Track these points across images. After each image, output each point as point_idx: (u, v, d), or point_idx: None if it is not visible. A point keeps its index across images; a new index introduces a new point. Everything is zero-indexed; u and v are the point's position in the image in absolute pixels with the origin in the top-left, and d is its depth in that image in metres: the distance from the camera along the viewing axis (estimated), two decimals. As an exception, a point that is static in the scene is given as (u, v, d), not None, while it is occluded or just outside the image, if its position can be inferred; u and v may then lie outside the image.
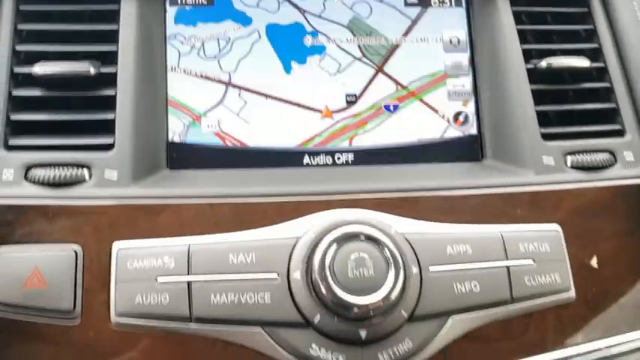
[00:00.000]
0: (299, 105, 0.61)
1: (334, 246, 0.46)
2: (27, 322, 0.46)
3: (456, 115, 0.63)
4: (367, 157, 0.61)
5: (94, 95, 0.55)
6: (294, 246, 0.48)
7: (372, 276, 0.45)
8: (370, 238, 0.47)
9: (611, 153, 0.59)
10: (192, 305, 0.46)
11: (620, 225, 0.55)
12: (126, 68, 0.55)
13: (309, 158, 0.60)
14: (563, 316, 0.51)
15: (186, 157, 0.58)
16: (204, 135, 0.59)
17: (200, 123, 0.59)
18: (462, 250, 0.50)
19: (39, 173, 0.51)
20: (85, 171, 0.51)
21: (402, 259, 0.47)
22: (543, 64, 0.61)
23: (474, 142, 0.63)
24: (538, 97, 0.60)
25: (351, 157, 0.61)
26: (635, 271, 0.54)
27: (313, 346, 0.46)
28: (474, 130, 0.63)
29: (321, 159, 0.60)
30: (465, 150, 0.62)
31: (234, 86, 0.60)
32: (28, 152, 0.52)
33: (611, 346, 0.52)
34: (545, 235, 0.52)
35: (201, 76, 0.60)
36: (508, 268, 0.50)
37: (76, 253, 0.48)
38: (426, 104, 0.63)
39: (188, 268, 0.47)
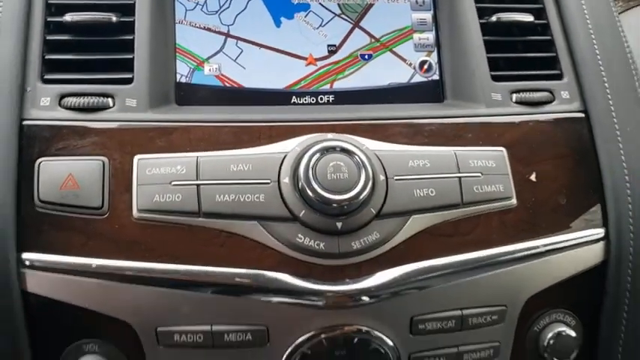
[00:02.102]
0: (287, 53, 0.71)
1: (316, 156, 0.57)
2: (64, 217, 0.56)
3: (421, 64, 0.74)
4: (345, 97, 0.71)
5: (116, 39, 0.65)
6: (284, 158, 0.59)
7: (346, 179, 0.56)
8: (345, 150, 0.58)
9: (550, 92, 0.70)
10: (200, 203, 0.57)
11: (555, 149, 0.66)
12: (142, 18, 0.65)
13: (296, 98, 0.70)
14: (505, 220, 0.62)
15: (191, 95, 0.68)
16: (206, 77, 0.69)
17: (203, 67, 0.69)
18: (422, 164, 0.61)
19: (71, 100, 0.61)
20: (109, 99, 0.62)
21: (371, 167, 0.57)
22: (494, 18, 0.72)
23: (437, 86, 0.73)
24: (490, 47, 0.71)
25: (331, 97, 0.71)
26: (567, 185, 0.65)
27: (299, 235, 0.57)
28: (436, 77, 0.73)
29: (306, 99, 0.71)
30: (429, 93, 0.73)
31: (232, 37, 0.71)
32: (61, 85, 0.62)
33: (546, 245, 0.62)
34: (491, 155, 0.63)
35: (204, 28, 0.70)
36: (460, 178, 0.61)
37: (104, 163, 0.58)
38: (396, 54, 0.74)
39: (197, 175, 0.57)
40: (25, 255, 0.55)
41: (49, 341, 0.57)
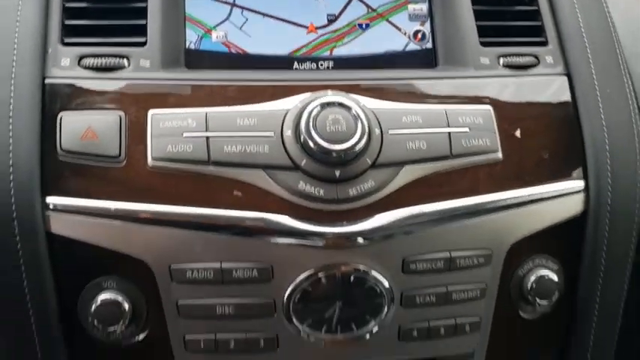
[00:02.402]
0: (289, 22, 0.76)
1: (316, 110, 0.62)
2: (84, 165, 0.61)
3: (415, 33, 0.78)
4: (344, 63, 0.76)
5: (130, 6, 0.70)
6: (286, 113, 0.63)
7: (344, 131, 0.61)
8: (343, 105, 0.63)
9: (536, 57, 0.74)
10: (209, 152, 0.61)
11: (539, 108, 0.71)
12: None
13: (297, 64, 0.75)
14: (492, 171, 0.67)
15: (200, 59, 0.73)
16: (213, 44, 0.74)
17: (211, 35, 0.74)
18: (414, 120, 0.66)
19: (89, 61, 0.66)
20: (125, 60, 0.66)
21: (367, 121, 0.62)
22: None
23: (430, 53, 0.78)
24: (479, 16, 0.76)
25: (331, 63, 0.76)
26: (549, 140, 0.70)
27: (301, 183, 0.61)
28: (429, 45, 0.78)
29: (307, 65, 0.75)
30: (423, 60, 0.78)
31: (238, 6, 0.75)
32: (80, 47, 0.67)
33: (529, 195, 0.67)
34: (479, 112, 0.68)
35: (212, -2, 0.76)
36: (449, 133, 0.66)
37: (120, 117, 0.63)
38: (391, 24, 0.78)
39: (206, 127, 0.62)
40: (49, 199, 0.60)
41: (71, 279, 0.62)
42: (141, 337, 0.64)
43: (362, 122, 0.61)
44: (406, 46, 0.78)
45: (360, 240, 0.62)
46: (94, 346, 0.63)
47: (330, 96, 0.64)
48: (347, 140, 0.60)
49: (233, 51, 0.74)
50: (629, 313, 0.75)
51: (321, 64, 0.76)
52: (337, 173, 0.61)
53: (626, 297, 0.73)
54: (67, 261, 0.62)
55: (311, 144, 0.60)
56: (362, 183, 0.62)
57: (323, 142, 0.60)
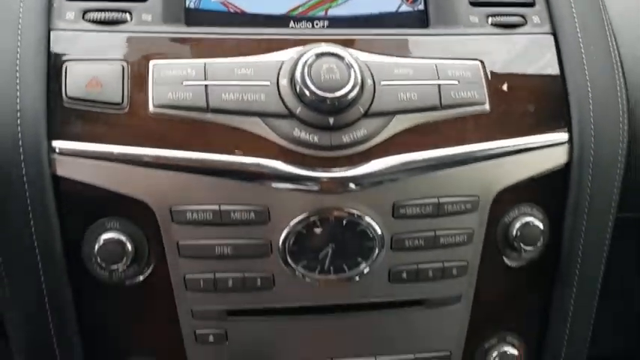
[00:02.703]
0: (286, -18, 0.79)
1: (311, 59, 0.64)
2: (89, 111, 0.64)
3: (408, -5, 0.82)
4: (339, 23, 0.78)
5: None
6: (282, 63, 0.66)
7: (337, 79, 0.63)
8: (337, 55, 0.65)
9: (523, 17, 0.77)
10: (208, 100, 0.64)
11: (525, 63, 0.74)
12: None
13: (293, 23, 0.77)
14: (479, 122, 0.69)
15: (199, 17, 0.75)
16: (213, 3, 0.76)
17: (210, -6, 0.77)
18: (406, 72, 0.68)
19: (93, 15, 0.68)
20: (127, 15, 0.69)
21: (360, 71, 0.65)
22: None
23: (421, 14, 0.80)
24: None
25: (326, 23, 0.78)
26: (535, 94, 0.72)
27: (296, 130, 0.64)
28: (421, 7, 0.81)
29: (303, 24, 0.78)
30: (415, 20, 0.80)
31: (237, -33, 0.78)
32: (84, 2, 0.69)
33: (515, 145, 0.70)
34: (468, 66, 0.71)
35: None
36: (439, 85, 0.68)
37: (123, 67, 0.66)
38: (385, -15, 0.81)
39: (205, 76, 0.65)
40: (55, 143, 0.63)
41: (75, 219, 0.65)
42: (142, 277, 0.67)
43: (355, 72, 0.64)
44: (399, 7, 0.80)
45: (353, 185, 0.65)
46: (97, 285, 0.66)
47: (325, 47, 0.66)
48: (340, 89, 0.63)
49: (231, 10, 0.77)
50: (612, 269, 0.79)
51: (316, 23, 0.78)
52: (331, 121, 0.64)
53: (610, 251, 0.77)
54: (71, 202, 0.64)
55: (306, 92, 0.63)
56: (355, 131, 0.65)
57: (317, 90, 0.63)
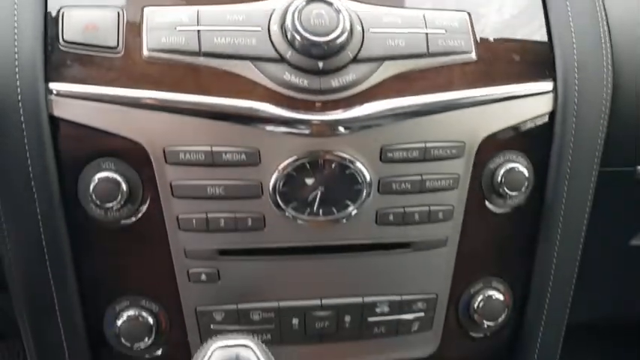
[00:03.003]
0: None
1: (301, 5, 0.66)
2: (85, 54, 0.66)
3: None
4: None
5: None
6: (273, 10, 0.67)
7: (327, 25, 0.65)
8: (326, 2, 0.66)
9: None
10: (200, 44, 0.65)
11: (511, 16, 0.75)
12: None
13: None
14: (466, 70, 0.70)
15: None
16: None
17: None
18: (394, 20, 0.70)
19: None
20: None
21: (349, 17, 0.66)
22: None
23: None
24: None
25: None
26: (520, 44, 0.74)
27: (286, 74, 0.66)
28: None
29: None
30: None
31: None
32: None
33: (500, 93, 0.71)
34: (455, 17, 0.72)
35: None
36: (427, 34, 0.70)
37: (118, 13, 0.67)
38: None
39: (197, 22, 0.66)
40: (52, 85, 0.65)
41: (72, 160, 0.67)
42: (136, 217, 0.69)
43: (344, 17, 0.65)
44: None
45: (342, 129, 0.67)
46: (93, 225, 0.68)
47: None
48: (329, 33, 0.64)
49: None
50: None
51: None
52: (320, 65, 0.65)
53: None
54: (68, 142, 0.66)
55: (296, 36, 0.64)
56: (344, 75, 0.66)
57: (307, 34, 0.64)
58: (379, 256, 0.73)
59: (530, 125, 0.74)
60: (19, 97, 0.64)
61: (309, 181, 0.68)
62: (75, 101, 0.65)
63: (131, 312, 0.71)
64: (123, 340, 0.71)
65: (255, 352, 0.56)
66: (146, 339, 0.71)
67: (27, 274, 0.70)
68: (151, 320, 0.71)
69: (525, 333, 0.81)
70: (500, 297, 0.78)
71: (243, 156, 0.66)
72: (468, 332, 0.80)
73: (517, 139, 0.74)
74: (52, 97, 0.65)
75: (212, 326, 0.73)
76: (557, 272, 0.78)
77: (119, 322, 0.71)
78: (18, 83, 0.64)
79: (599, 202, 0.80)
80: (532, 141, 0.75)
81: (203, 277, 0.71)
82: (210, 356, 0.55)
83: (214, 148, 0.66)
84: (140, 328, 0.71)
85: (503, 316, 0.78)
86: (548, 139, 0.74)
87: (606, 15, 0.76)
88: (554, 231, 0.77)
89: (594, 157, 0.76)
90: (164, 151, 0.66)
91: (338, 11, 0.65)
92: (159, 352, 0.74)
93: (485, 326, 0.78)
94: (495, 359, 0.84)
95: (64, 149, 0.66)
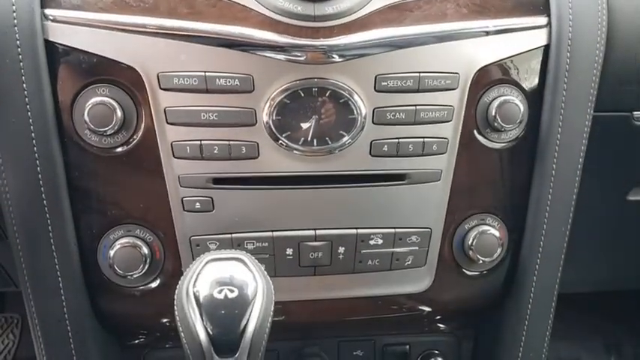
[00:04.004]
0: None
1: None
2: None
3: None
4: None
5: None
6: None
7: None
8: None
9: None
10: None
11: None
12: None
13: None
14: (460, 3, 0.70)
15: None
16: None
17: None
18: None
19: None
20: None
21: None
22: None
23: None
24: None
25: None
26: None
27: (281, 0, 0.66)
28: None
29: None
30: None
31: None
32: None
33: (495, 26, 0.71)
34: None
35: None
36: None
37: None
38: None
39: None
40: (48, 11, 0.65)
41: (66, 85, 0.67)
42: (131, 144, 0.69)
43: None
44: None
45: (336, 56, 0.67)
46: (88, 152, 0.69)
47: None
48: None
49: None
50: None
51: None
52: None
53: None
54: (63, 67, 0.67)
55: None
56: (339, 3, 0.66)
57: None
58: (374, 189, 0.73)
59: (524, 59, 0.74)
60: (15, 22, 0.64)
61: (303, 110, 0.68)
62: (70, 27, 0.66)
63: (125, 241, 0.71)
64: (117, 269, 0.71)
65: (248, 266, 0.56)
66: (140, 267, 0.71)
67: (22, 202, 0.70)
68: (145, 249, 0.72)
69: (520, 271, 0.81)
70: (495, 233, 0.78)
71: (237, 82, 0.67)
72: (462, 269, 0.80)
73: (512, 72, 0.74)
74: (48, 22, 0.65)
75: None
76: (552, 209, 0.78)
77: (113, 252, 0.71)
78: (14, 8, 0.64)
79: (596, 153, 0.80)
80: (527, 75, 0.74)
81: (197, 205, 0.71)
82: (201, 269, 0.56)
83: (208, 74, 0.66)
84: (134, 257, 0.71)
85: (497, 253, 0.78)
86: (543, 74, 0.75)
87: None
88: (548, 166, 0.77)
89: (589, 95, 0.76)
90: (158, 77, 0.66)
91: None
92: (152, 284, 0.74)
93: (480, 262, 0.78)
94: (490, 299, 0.85)
95: (59, 74, 0.67)
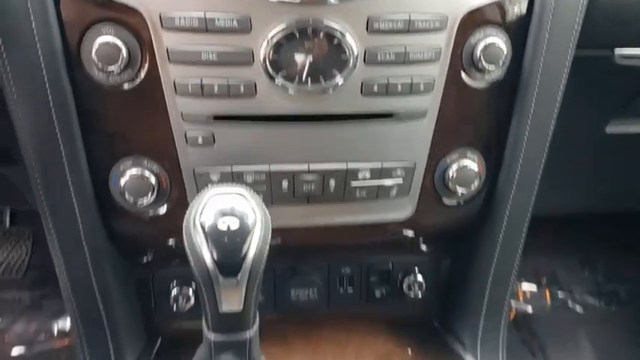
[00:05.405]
0: None
1: None
2: None
3: None
4: None
5: None
6: None
7: None
8: None
9: None
10: None
11: None
12: None
13: None
14: None
15: None
16: None
17: None
18: None
19: None
20: None
21: None
22: None
23: None
24: None
25: None
26: None
27: None
28: None
29: None
30: None
31: None
32: None
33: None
34: None
35: None
36: None
37: None
38: None
39: None
40: None
41: (73, 23, 0.70)
42: (136, 81, 0.73)
43: None
44: None
45: None
46: (96, 89, 0.73)
47: None
48: None
49: None
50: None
51: None
52: None
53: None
54: (69, 6, 0.70)
55: None
56: None
57: None
58: (363, 126, 0.78)
59: (510, 2, 0.76)
60: None
61: (298, 50, 0.72)
62: None
63: (134, 171, 0.78)
64: (127, 196, 0.78)
65: (247, 200, 0.62)
66: (149, 195, 0.78)
67: (37, 133, 0.75)
68: (152, 179, 0.78)
69: (496, 201, 0.89)
70: (474, 167, 0.84)
71: (235, 22, 0.70)
72: (442, 199, 0.87)
73: (499, 14, 0.77)
74: None
75: (208, 186, 0.80)
76: (528, 145, 0.83)
77: (123, 180, 0.78)
78: None
79: (577, 88, 0.84)
80: (513, 17, 0.77)
81: (199, 140, 0.76)
82: (206, 202, 0.62)
83: (208, 14, 0.69)
84: (143, 186, 0.78)
85: (475, 184, 0.85)
86: (529, 15, 0.78)
87: None
88: (527, 105, 0.81)
89: (571, 36, 0.79)
90: (160, 17, 0.69)
91: None
92: (160, 211, 0.82)
93: (459, 194, 0.85)
94: (467, 225, 0.93)
95: (65, 13, 0.70)
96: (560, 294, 2.08)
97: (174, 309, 0.97)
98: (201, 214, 0.60)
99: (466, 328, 1.00)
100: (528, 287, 2.08)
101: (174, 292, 0.97)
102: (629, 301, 2.07)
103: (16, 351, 1.76)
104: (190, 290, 0.97)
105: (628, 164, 1.28)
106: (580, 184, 1.41)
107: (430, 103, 0.79)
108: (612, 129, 1.12)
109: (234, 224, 0.59)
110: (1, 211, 1.85)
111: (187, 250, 0.60)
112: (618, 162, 1.28)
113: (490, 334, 0.98)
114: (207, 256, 0.59)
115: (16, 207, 1.82)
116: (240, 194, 0.63)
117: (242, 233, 0.60)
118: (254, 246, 0.60)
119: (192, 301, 0.97)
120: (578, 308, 2.05)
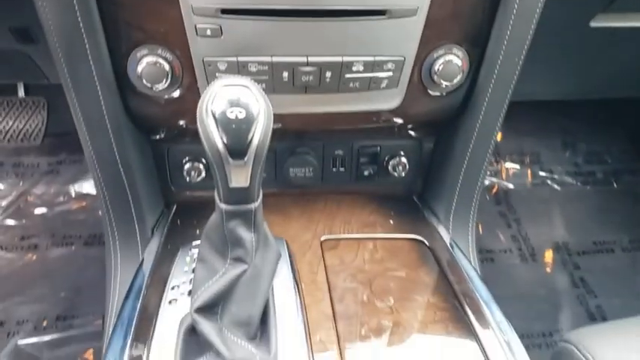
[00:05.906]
0: None
1: None
2: None
3: None
4: None
5: None
6: None
7: None
8: None
9: None
10: None
11: None
12: None
13: None
14: None
15: None
16: None
17: None
18: None
19: None
20: None
21: None
22: None
23: None
24: None
25: None
26: None
27: None
28: None
29: None
30: None
31: None
32: None
33: None
34: None
35: None
36: None
37: None
38: None
39: None
40: None
41: None
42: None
43: None
44: None
45: None
46: None
47: None
48: None
49: None
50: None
51: None
52: None
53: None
54: None
55: None
56: None
57: None
58: (358, 22, 0.85)
59: None
60: None
61: None
62: None
63: (150, 58, 0.86)
64: (144, 81, 0.86)
65: (252, 91, 0.71)
66: (164, 81, 0.87)
67: (59, 18, 0.81)
68: (166, 66, 0.86)
69: (476, 93, 0.98)
70: (459, 62, 0.91)
71: None
72: (427, 90, 0.96)
73: None
74: None
75: (217, 74, 0.88)
76: (509, 42, 0.90)
77: (140, 67, 0.86)
78: None
79: None
80: None
81: (208, 32, 0.83)
82: (217, 92, 0.71)
83: None
84: (158, 72, 0.86)
85: (458, 78, 0.93)
86: None
87: None
88: (511, 4, 0.87)
89: None
90: None
91: None
92: (174, 94, 0.91)
93: (443, 85, 0.93)
94: (450, 113, 1.03)
95: None
96: (541, 173, 2.24)
97: (188, 180, 1.11)
98: (212, 102, 0.70)
99: (441, 203, 1.14)
100: (511, 166, 2.23)
101: (187, 166, 1.10)
102: (604, 181, 2.23)
103: (39, 211, 1.95)
104: (201, 165, 1.09)
105: (609, 56, 1.34)
106: (565, 72, 1.48)
107: (421, 1, 0.84)
108: (597, 23, 1.17)
109: (241, 113, 0.69)
110: (15, 85, 1.93)
111: (201, 135, 0.70)
112: (600, 55, 1.34)
113: (462, 209, 1.13)
114: (219, 140, 0.68)
115: (31, 81, 1.89)
116: (245, 86, 0.71)
117: (248, 122, 0.68)
118: (258, 133, 0.70)
119: (203, 174, 1.10)
120: (556, 186, 2.22)
